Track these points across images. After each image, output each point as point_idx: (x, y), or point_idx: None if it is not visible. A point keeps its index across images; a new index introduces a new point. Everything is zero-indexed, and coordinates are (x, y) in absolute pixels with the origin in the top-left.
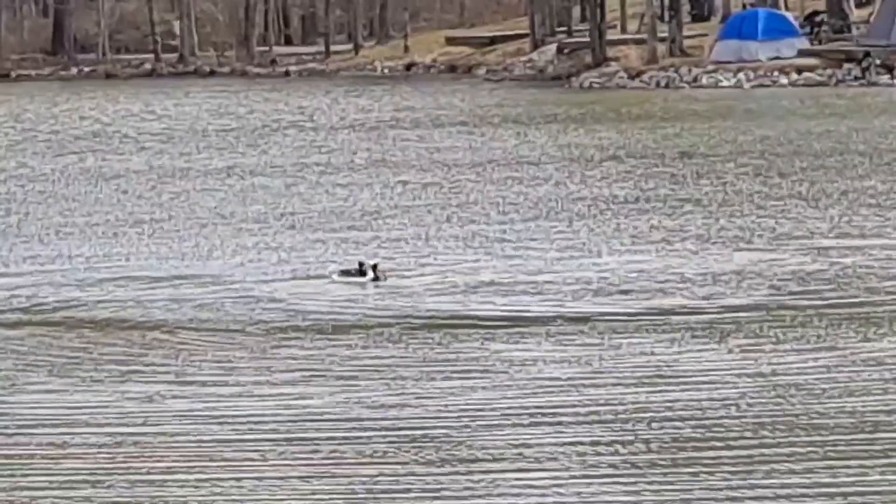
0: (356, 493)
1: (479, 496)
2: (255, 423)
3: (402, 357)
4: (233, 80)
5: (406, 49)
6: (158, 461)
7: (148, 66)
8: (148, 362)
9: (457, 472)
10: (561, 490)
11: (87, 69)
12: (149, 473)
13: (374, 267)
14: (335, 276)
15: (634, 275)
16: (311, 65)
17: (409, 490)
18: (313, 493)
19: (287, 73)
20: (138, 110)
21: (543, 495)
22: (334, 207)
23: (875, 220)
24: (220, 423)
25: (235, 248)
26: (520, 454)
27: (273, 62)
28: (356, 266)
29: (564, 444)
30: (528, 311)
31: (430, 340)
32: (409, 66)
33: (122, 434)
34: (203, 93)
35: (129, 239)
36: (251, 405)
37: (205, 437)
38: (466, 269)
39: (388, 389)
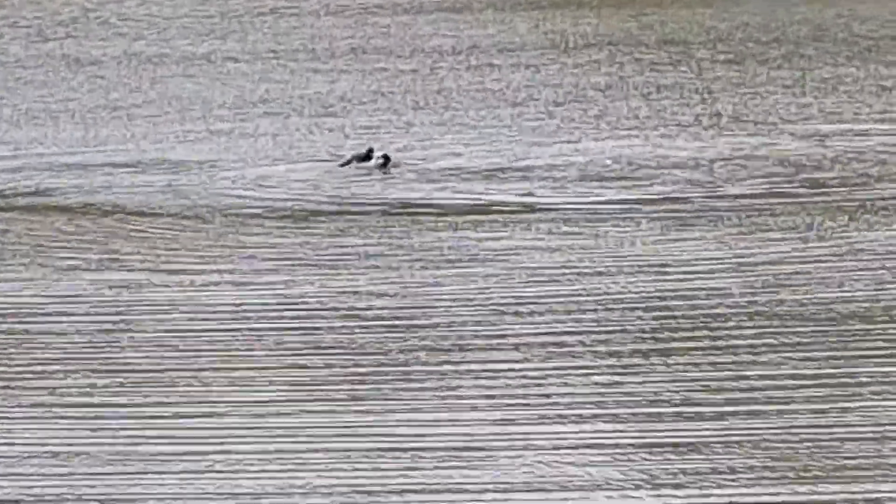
0: (355, 387)
1: (469, 385)
2: (239, 313)
3: (380, 245)
4: None
5: None
6: (137, 351)
7: None
8: (123, 250)
9: (448, 361)
10: (547, 380)
11: None
12: (126, 366)
13: (384, 156)
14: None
15: (615, 162)
16: None
17: (408, 379)
18: (309, 385)
19: None
20: None
21: (532, 384)
22: (310, 94)
23: (850, 106)
24: (203, 314)
25: (209, 134)
26: (506, 344)
27: None
28: (363, 151)
29: (546, 333)
30: (508, 199)
31: (406, 229)
32: None
33: (98, 323)
34: None
35: (104, 125)
36: (233, 294)
37: (187, 329)
38: (443, 156)
39: (372, 278)
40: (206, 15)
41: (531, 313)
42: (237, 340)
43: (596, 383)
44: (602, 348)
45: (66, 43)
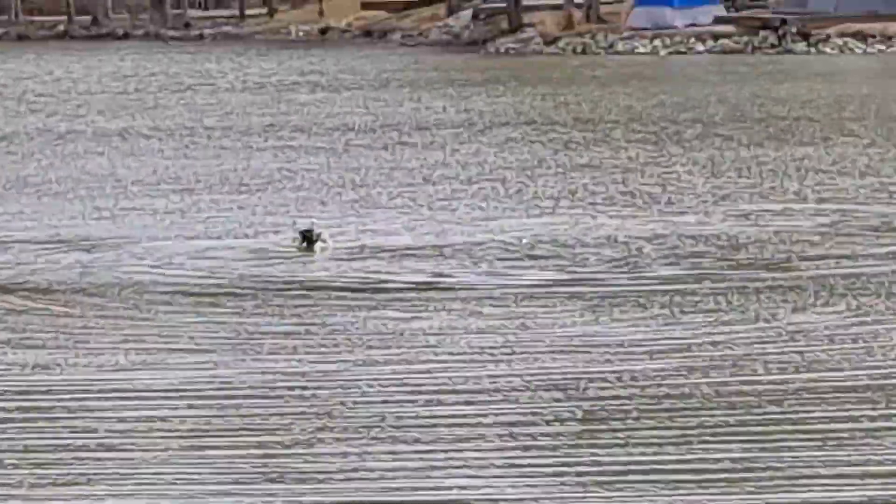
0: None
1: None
2: (157, 393)
3: (295, 326)
4: (146, 44)
5: (321, 13)
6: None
7: (61, 27)
8: (35, 329)
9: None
10: (487, 465)
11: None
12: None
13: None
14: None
15: (535, 241)
16: (225, 28)
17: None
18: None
19: (201, 37)
20: (39, 72)
21: (473, 474)
22: (224, 171)
23: (767, 185)
24: (118, 396)
25: (121, 210)
26: (442, 431)
27: (187, 25)
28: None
29: (486, 419)
30: (425, 279)
31: (320, 309)
32: (324, 31)
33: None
34: (112, 56)
35: (14, 200)
36: (145, 375)
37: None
38: (359, 235)
39: (291, 361)
40: (120, 91)
41: (447, 401)
42: (151, 422)
43: (512, 465)
44: (521, 430)
45: None
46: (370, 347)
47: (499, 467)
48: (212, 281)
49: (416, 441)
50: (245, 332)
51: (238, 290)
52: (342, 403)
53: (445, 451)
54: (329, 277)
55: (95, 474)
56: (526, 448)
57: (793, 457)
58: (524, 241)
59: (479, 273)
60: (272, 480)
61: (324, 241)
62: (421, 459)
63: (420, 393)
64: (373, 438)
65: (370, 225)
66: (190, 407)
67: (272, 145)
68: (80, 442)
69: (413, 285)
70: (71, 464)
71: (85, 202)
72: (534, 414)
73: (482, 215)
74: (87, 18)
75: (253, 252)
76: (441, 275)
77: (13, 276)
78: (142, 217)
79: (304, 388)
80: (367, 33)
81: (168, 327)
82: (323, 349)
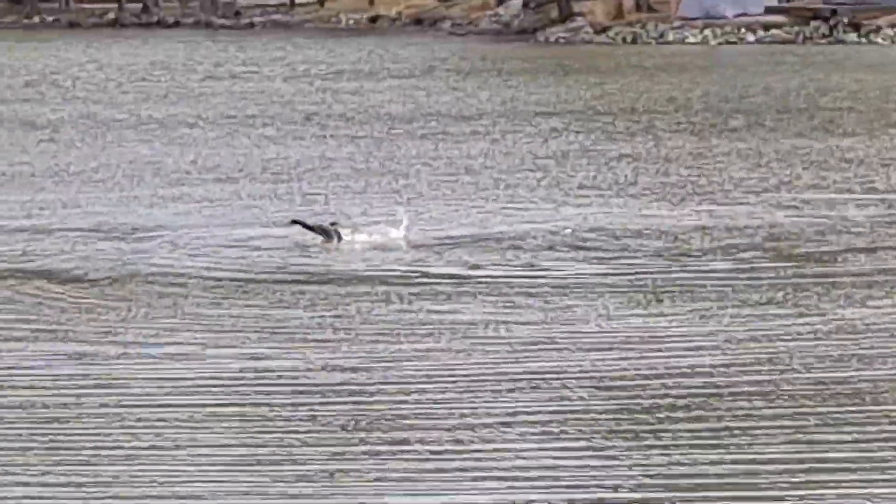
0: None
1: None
2: (195, 384)
3: (337, 317)
4: (195, 32)
5: (371, 1)
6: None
7: (111, 15)
8: (73, 320)
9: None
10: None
11: (49, 18)
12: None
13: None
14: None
15: (578, 231)
16: (275, 16)
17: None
18: (264, 464)
19: (251, 25)
20: (86, 59)
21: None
22: (265, 159)
23: (813, 176)
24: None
25: (161, 200)
26: (477, 421)
27: (237, 13)
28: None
29: (518, 412)
30: (472, 271)
31: (361, 300)
32: (373, 19)
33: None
34: (161, 44)
35: (56, 189)
36: (180, 366)
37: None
38: (397, 225)
39: (346, 351)
40: (166, 79)
41: (498, 389)
42: (190, 413)
43: (573, 465)
44: (576, 428)
45: (20, 106)
46: (409, 339)
47: (534, 459)
48: (250, 271)
49: (455, 429)
50: (283, 322)
51: (276, 280)
52: (380, 395)
53: (479, 454)
54: (367, 268)
55: (133, 469)
56: (560, 439)
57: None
58: (566, 231)
59: (519, 264)
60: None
61: (343, 234)
62: (455, 453)
63: (457, 384)
64: (410, 429)
65: (409, 215)
66: (226, 398)
67: (313, 134)
68: (116, 434)
69: (452, 277)
70: (105, 458)
71: (126, 190)
72: (572, 409)
73: (523, 205)
74: (138, 6)
75: (291, 242)
76: (480, 266)
77: (52, 265)
78: (182, 206)
79: (343, 381)
80: (417, 21)
81: (205, 318)
82: (361, 341)
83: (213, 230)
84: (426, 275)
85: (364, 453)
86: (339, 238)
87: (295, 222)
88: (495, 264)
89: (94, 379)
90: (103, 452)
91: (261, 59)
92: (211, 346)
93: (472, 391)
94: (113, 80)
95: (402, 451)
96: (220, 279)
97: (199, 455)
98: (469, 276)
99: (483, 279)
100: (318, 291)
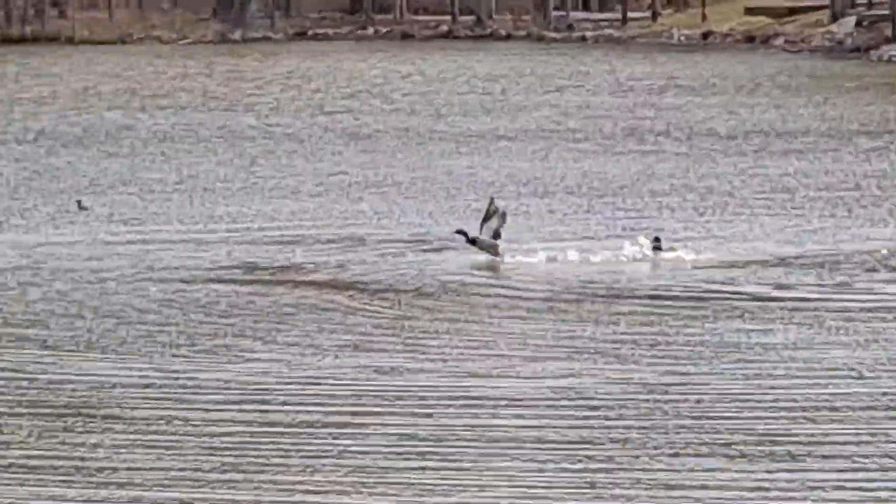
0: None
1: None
2: (506, 402)
3: (650, 335)
4: (526, 45)
5: (704, 18)
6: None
7: (444, 27)
8: (374, 332)
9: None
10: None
11: (383, 29)
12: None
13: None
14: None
15: (890, 251)
16: (607, 31)
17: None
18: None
19: (583, 39)
20: (413, 70)
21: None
22: (584, 173)
23: None
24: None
25: (470, 211)
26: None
27: (570, 27)
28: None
29: (829, 438)
30: (782, 292)
31: (672, 318)
32: (705, 35)
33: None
34: (489, 56)
35: (368, 199)
36: (506, 384)
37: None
38: (708, 243)
39: (663, 370)
40: (487, 91)
41: (818, 418)
42: (503, 432)
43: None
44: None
45: (344, 117)
46: (720, 359)
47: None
48: (555, 286)
49: (762, 457)
50: (592, 339)
51: (581, 295)
52: (690, 415)
53: (794, 471)
54: (676, 286)
55: (430, 482)
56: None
57: None
58: (883, 252)
59: (831, 285)
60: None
61: (664, 248)
62: (764, 478)
63: (769, 409)
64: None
65: (719, 232)
66: (542, 416)
67: (632, 149)
68: (418, 449)
69: (762, 296)
70: (403, 470)
71: (441, 202)
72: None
73: (839, 225)
74: (471, 19)
75: (601, 257)
76: (790, 286)
77: (364, 275)
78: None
79: (655, 399)
80: (749, 39)
81: (511, 333)
82: (673, 359)
83: (521, 244)
84: (734, 294)
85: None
86: (499, 255)
87: (459, 233)
88: (806, 285)
89: (395, 392)
90: (408, 463)
91: (587, 72)
92: (519, 362)
93: (772, 415)
94: (435, 92)
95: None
96: (523, 294)
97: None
98: (777, 297)
99: (792, 300)
100: (625, 307)
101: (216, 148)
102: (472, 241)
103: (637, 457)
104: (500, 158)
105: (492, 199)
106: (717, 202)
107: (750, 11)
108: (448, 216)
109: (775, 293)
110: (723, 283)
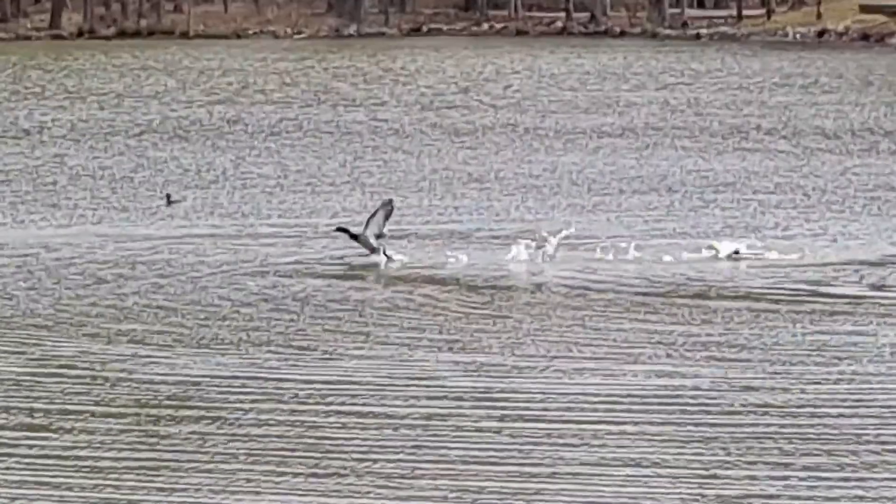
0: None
1: None
2: (606, 401)
3: (755, 335)
4: (640, 42)
5: (819, 15)
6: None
7: (559, 24)
8: (476, 329)
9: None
10: None
11: (498, 25)
12: None
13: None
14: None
15: None
16: (722, 28)
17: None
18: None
19: (698, 36)
20: (521, 67)
21: None
22: (687, 171)
23: None
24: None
25: (580, 209)
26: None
27: (684, 24)
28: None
29: None
30: (878, 292)
31: (761, 319)
32: (820, 33)
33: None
34: (602, 53)
35: (478, 194)
36: (610, 382)
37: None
38: (804, 242)
39: (767, 369)
40: (597, 88)
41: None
42: (607, 430)
43: None
44: None
45: (453, 113)
46: (815, 363)
47: None
48: (650, 285)
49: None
50: (684, 338)
51: (672, 296)
52: (792, 416)
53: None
54: (763, 287)
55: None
56: None
57: None
58: None
59: None
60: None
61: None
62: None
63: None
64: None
65: (818, 230)
66: (640, 415)
67: (735, 146)
68: (526, 448)
69: (857, 297)
70: (512, 469)
71: (543, 199)
72: None
73: None
74: (586, 15)
75: (698, 258)
76: (887, 286)
77: (466, 271)
78: (595, 216)
79: (760, 401)
80: (865, 37)
81: (608, 331)
82: (766, 362)
83: (622, 241)
84: (827, 295)
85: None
86: (386, 255)
87: (340, 230)
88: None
89: (484, 391)
90: (496, 468)
91: (698, 69)
92: (617, 362)
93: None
94: (544, 88)
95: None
96: (619, 292)
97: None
98: (871, 297)
99: (888, 299)
100: (716, 307)
101: (322, 143)
102: (355, 237)
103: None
104: (604, 155)
105: (389, 200)
106: (816, 202)
107: (865, 9)
108: (550, 212)
109: (867, 293)
110: (815, 282)
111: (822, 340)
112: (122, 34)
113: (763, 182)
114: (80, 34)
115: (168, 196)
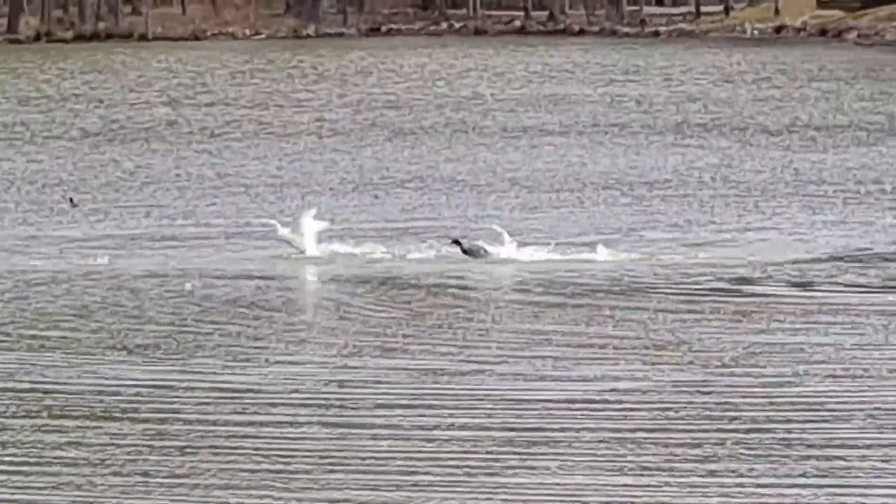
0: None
1: None
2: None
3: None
4: (598, 40)
5: (777, 11)
6: None
7: (517, 23)
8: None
9: None
10: None
11: (457, 25)
12: None
13: None
14: None
15: None
16: (680, 25)
17: None
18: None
19: (656, 34)
20: (474, 66)
21: None
22: (627, 169)
23: None
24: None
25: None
26: None
27: (643, 22)
28: None
29: None
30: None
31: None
32: (778, 29)
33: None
34: (558, 51)
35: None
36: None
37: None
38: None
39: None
40: (541, 86)
41: None
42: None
43: None
44: None
45: (394, 112)
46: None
47: None
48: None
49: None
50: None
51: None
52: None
53: None
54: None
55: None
56: None
57: None
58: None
59: None
60: None
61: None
62: None
63: None
64: None
65: (747, 226)
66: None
67: (672, 143)
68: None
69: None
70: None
71: (480, 198)
72: None
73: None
74: (545, 14)
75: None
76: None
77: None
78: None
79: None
80: (822, 32)
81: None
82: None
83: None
84: (751, 294)
85: None
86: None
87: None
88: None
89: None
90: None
91: (650, 67)
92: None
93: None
94: (496, 86)
95: None
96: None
97: None
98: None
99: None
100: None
101: (258, 144)
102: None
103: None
104: (544, 154)
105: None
106: (753, 195)
107: (823, 5)
108: (485, 211)
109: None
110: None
111: (746, 340)
112: (79, 37)
113: (700, 178)
114: (37, 38)
115: (71, 199)
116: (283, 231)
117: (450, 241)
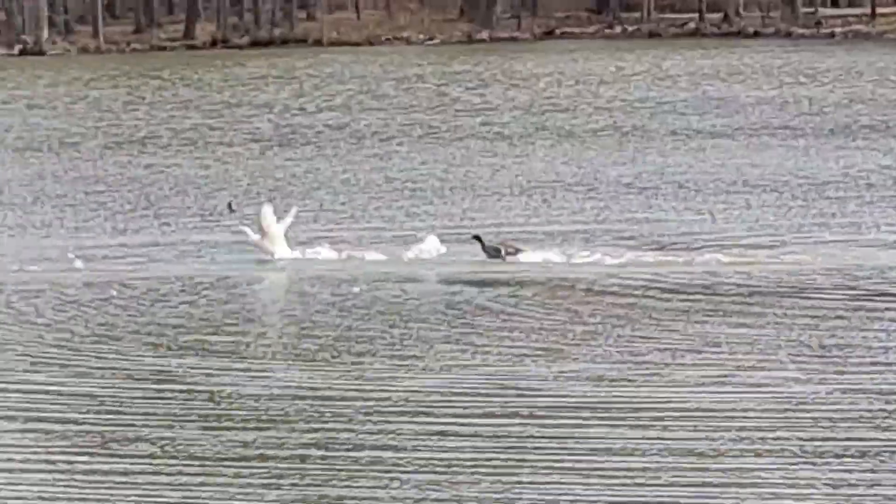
0: None
1: None
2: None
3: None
4: (773, 41)
5: None
6: None
7: (692, 25)
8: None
9: None
10: None
11: (630, 28)
12: None
13: None
14: None
15: None
16: (856, 26)
17: None
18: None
19: (832, 35)
20: (643, 69)
21: None
22: (788, 171)
23: None
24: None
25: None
26: None
27: (818, 23)
28: None
29: None
30: None
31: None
32: None
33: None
34: (727, 55)
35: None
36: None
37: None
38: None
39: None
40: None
41: None
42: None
43: None
44: None
45: (556, 116)
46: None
47: None
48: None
49: None
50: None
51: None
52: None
53: None
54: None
55: None
56: None
57: None
58: None
59: None
60: None
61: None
62: None
63: None
64: None
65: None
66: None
67: (839, 145)
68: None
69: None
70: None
71: (666, 201)
72: None
73: None
74: (718, 16)
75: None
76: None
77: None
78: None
79: None
80: None
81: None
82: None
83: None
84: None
85: None
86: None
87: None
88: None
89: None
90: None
91: (820, 68)
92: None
93: None
94: (661, 89)
95: None
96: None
97: None
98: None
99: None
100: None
101: (426, 148)
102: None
103: None
104: (706, 157)
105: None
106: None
107: None
108: (653, 214)
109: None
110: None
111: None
112: (255, 43)
113: (872, 179)
114: (213, 44)
115: (230, 204)
116: (254, 237)
117: (471, 237)
